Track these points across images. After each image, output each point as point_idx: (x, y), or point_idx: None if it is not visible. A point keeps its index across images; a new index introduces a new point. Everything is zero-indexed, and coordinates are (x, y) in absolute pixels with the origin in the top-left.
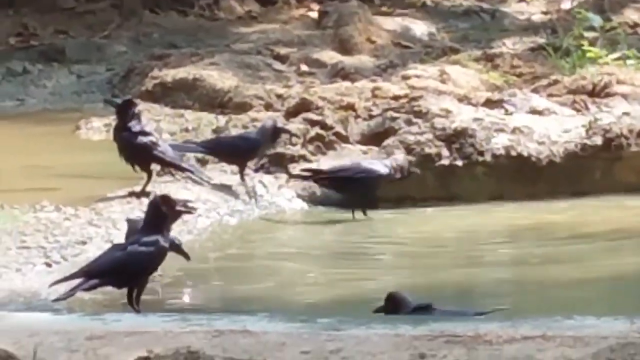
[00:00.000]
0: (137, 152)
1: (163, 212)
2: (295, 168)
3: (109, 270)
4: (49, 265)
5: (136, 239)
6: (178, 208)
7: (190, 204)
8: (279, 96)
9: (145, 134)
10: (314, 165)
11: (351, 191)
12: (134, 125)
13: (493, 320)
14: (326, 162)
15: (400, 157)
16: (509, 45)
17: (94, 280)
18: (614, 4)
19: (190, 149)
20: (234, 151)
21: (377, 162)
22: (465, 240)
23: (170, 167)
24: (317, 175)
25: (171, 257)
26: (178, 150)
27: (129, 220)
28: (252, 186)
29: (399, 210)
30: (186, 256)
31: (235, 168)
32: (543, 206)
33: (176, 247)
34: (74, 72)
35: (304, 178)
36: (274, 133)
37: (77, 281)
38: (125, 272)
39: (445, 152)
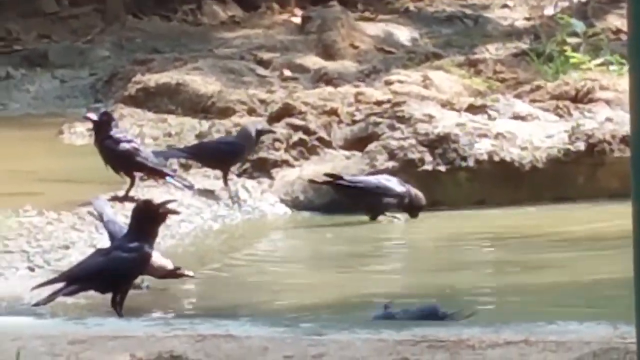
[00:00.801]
0: (120, 159)
1: (147, 217)
2: (279, 173)
3: (91, 275)
4: (31, 269)
5: (120, 244)
6: (162, 210)
7: (172, 205)
8: (262, 101)
9: (128, 141)
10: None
11: (366, 204)
12: (116, 133)
13: (476, 325)
14: (309, 167)
15: (417, 191)
16: (492, 51)
17: (76, 285)
18: (596, 10)
19: (173, 155)
20: (217, 156)
21: (395, 180)
22: (448, 245)
23: (152, 173)
24: (336, 181)
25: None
26: (161, 156)
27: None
28: (235, 191)
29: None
30: (188, 276)
31: (218, 173)
32: (526, 211)
33: (175, 274)
34: (57, 76)
35: (323, 183)
36: (257, 136)
37: (58, 285)
38: (108, 277)
39: (428, 157)
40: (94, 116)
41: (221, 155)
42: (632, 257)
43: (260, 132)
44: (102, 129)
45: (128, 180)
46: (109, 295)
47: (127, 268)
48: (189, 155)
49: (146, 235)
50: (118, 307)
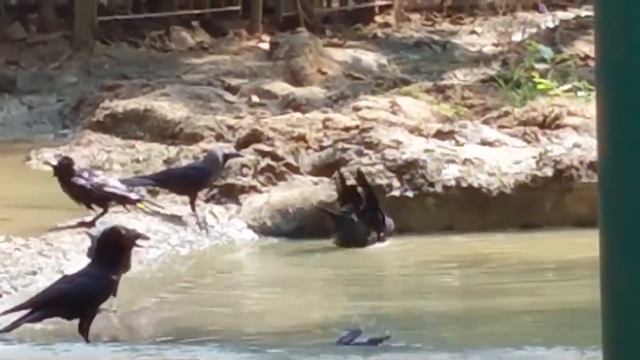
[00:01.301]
0: (90, 193)
1: (113, 244)
2: (246, 198)
3: (56, 301)
4: None
5: (85, 271)
6: (128, 239)
7: (141, 235)
8: (230, 127)
9: (94, 175)
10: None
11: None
12: (80, 171)
13: (444, 350)
14: (277, 193)
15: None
16: (460, 77)
17: (41, 312)
18: (564, 36)
19: (141, 183)
20: (185, 182)
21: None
22: (415, 271)
23: (123, 201)
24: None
25: (122, 288)
26: (129, 184)
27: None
28: (203, 217)
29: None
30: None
31: (185, 199)
32: (493, 238)
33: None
34: (24, 102)
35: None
36: (224, 161)
37: (24, 312)
38: (72, 303)
39: (396, 183)
40: (54, 161)
41: (188, 180)
42: (598, 284)
43: (227, 156)
44: (65, 172)
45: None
46: (76, 321)
47: (91, 295)
48: (156, 182)
49: (111, 263)
50: (85, 333)
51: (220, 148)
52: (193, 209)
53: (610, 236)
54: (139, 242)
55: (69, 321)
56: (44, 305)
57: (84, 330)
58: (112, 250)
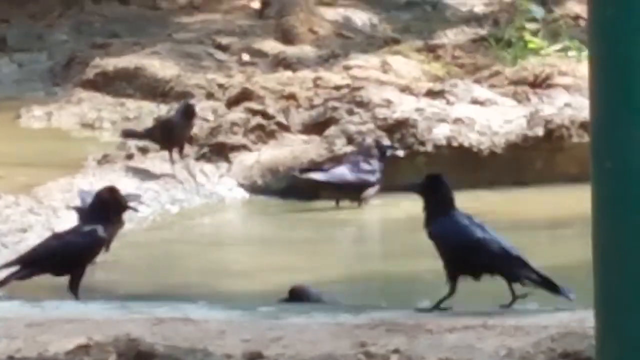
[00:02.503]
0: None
1: (107, 203)
2: (237, 157)
3: (45, 258)
4: None
5: (75, 228)
6: (125, 203)
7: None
8: (221, 86)
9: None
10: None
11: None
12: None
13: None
14: (267, 151)
15: None
16: (451, 37)
17: (30, 269)
18: None
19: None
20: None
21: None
22: (405, 230)
23: None
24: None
25: (112, 246)
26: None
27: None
28: (194, 175)
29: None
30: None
31: (176, 156)
32: (484, 196)
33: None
34: (15, 60)
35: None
36: (185, 111)
37: (13, 269)
38: (61, 260)
39: (386, 141)
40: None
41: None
42: (589, 242)
43: (190, 107)
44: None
45: (85, 164)
46: (66, 278)
47: (80, 252)
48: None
49: (103, 221)
50: (75, 290)
51: (187, 100)
52: (171, 162)
53: (601, 194)
54: (132, 204)
55: (58, 277)
56: (34, 262)
57: (74, 287)
58: (105, 209)
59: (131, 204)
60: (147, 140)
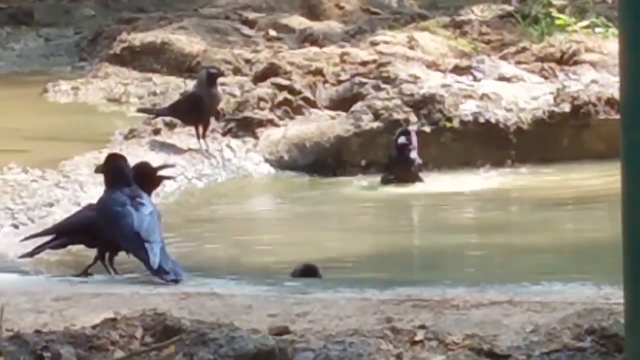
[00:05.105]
0: None
1: (142, 178)
2: (263, 132)
3: (80, 229)
4: (16, 226)
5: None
6: (158, 174)
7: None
8: (247, 61)
9: None
10: None
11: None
12: None
13: (460, 284)
14: (294, 127)
15: None
16: (478, 13)
17: (65, 238)
18: None
19: (157, 112)
20: (181, 111)
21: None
22: (432, 206)
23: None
24: None
25: None
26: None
27: None
28: (219, 149)
29: (366, 175)
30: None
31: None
32: (511, 173)
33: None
34: (42, 35)
35: None
36: (209, 81)
37: (46, 238)
38: (96, 231)
39: (413, 118)
40: None
41: (182, 110)
42: (617, 217)
43: (211, 76)
44: None
45: (112, 139)
46: (93, 253)
47: None
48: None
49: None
50: (109, 265)
51: (204, 69)
52: (197, 137)
53: (631, 168)
54: (166, 173)
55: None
56: (68, 232)
57: (108, 261)
58: (140, 183)
59: (164, 172)
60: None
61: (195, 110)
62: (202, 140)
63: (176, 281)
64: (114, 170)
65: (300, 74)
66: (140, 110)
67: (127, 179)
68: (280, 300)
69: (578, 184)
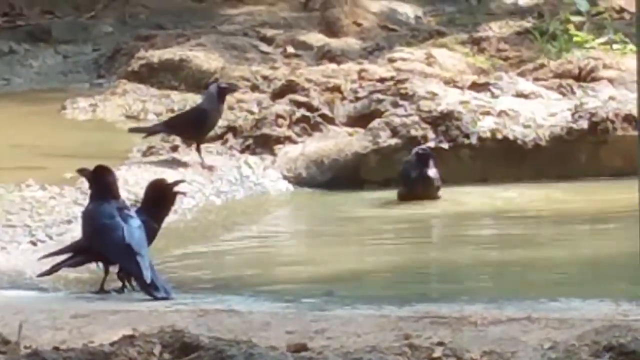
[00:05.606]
0: None
1: (157, 195)
2: (281, 149)
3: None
4: (34, 244)
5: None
6: (172, 190)
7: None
8: (265, 77)
9: None
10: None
11: None
12: None
13: (478, 301)
14: (312, 144)
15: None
16: (496, 29)
17: (82, 256)
18: None
19: (154, 130)
20: (185, 126)
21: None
22: (450, 223)
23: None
24: None
25: (157, 237)
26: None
27: None
28: (238, 167)
29: (385, 191)
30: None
31: (220, 148)
32: (528, 189)
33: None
34: (60, 52)
35: None
36: (220, 96)
37: (64, 256)
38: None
39: (431, 134)
40: None
41: (187, 125)
42: (635, 234)
43: (222, 90)
44: None
45: (130, 155)
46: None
47: None
48: (165, 128)
49: (154, 212)
50: (126, 281)
51: (215, 83)
52: (198, 152)
53: None
54: (179, 189)
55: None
56: (85, 250)
57: (123, 277)
58: (157, 200)
59: (178, 189)
60: (162, 134)
61: (199, 124)
62: (200, 154)
63: (165, 299)
64: (101, 182)
65: (318, 90)
66: (132, 130)
67: (114, 191)
68: (298, 317)
69: (596, 200)
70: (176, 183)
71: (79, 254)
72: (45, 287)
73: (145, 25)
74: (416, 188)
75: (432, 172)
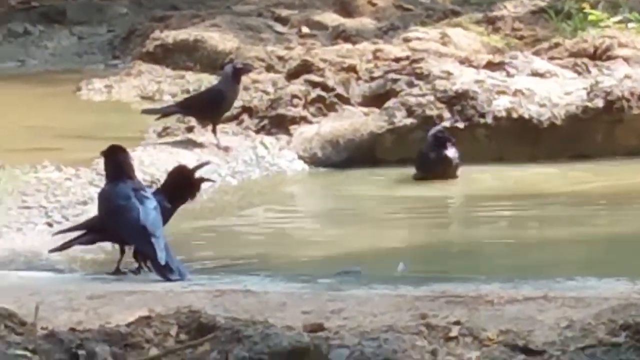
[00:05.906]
0: None
1: (179, 179)
2: (297, 129)
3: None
4: (50, 225)
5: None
6: (197, 177)
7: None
8: (280, 58)
9: None
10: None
11: None
12: None
13: (495, 280)
14: (327, 124)
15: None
16: (510, 8)
17: (95, 235)
18: None
19: (167, 110)
20: (201, 107)
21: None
22: (466, 202)
23: None
24: None
25: (173, 218)
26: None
27: None
28: (253, 147)
29: (401, 170)
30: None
31: (236, 129)
32: (544, 168)
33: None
34: (75, 33)
35: None
36: (235, 76)
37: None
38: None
39: (446, 114)
40: None
41: (203, 105)
42: None
43: (237, 71)
44: None
45: (146, 136)
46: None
47: None
48: (180, 109)
49: (171, 194)
50: (142, 262)
51: (231, 64)
52: (214, 133)
53: None
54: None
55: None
56: (99, 229)
57: (139, 258)
58: (177, 184)
59: (202, 174)
60: (177, 114)
61: (215, 105)
62: (215, 135)
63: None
64: (116, 162)
65: (333, 70)
66: (145, 112)
67: (129, 171)
68: (314, 297)
69: (611, 179)
70: (201, 165)
71: (91, 231)
72: (62, 268)
73: (159, 6)
74: (435, 169)
75: (450, 152)
